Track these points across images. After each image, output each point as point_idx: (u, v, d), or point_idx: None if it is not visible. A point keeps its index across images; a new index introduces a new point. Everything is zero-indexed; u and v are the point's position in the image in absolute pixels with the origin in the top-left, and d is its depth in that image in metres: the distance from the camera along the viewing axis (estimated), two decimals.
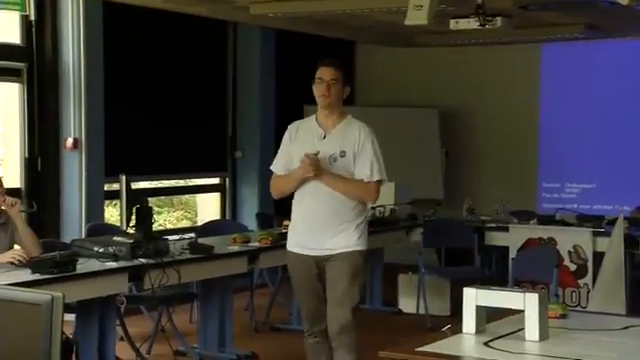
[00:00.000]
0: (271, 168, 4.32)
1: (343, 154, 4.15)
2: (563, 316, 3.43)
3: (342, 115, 4.26)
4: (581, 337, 3.14)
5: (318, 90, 4.20)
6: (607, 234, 6.29)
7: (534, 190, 9.17)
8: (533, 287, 6.07)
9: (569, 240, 6.63)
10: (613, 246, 6.08)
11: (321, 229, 4.13)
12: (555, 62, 9.12)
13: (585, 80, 8.97)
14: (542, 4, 6.37)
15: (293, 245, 4.26)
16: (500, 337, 3.07)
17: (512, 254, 6.57)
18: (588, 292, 6.46)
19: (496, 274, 7.36)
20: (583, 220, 6.92)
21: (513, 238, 6.86)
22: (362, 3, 6.43)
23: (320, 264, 4.17)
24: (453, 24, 5.78)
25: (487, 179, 9.44)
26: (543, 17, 7.25)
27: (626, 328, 3.27)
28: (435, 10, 5.33)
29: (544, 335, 3.04)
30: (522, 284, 5.95)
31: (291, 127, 4.33)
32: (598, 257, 6.34)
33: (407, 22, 5.42)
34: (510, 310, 3.20)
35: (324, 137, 4.19)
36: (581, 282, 6.57)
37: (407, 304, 7.03)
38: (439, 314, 6.62)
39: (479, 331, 3.12)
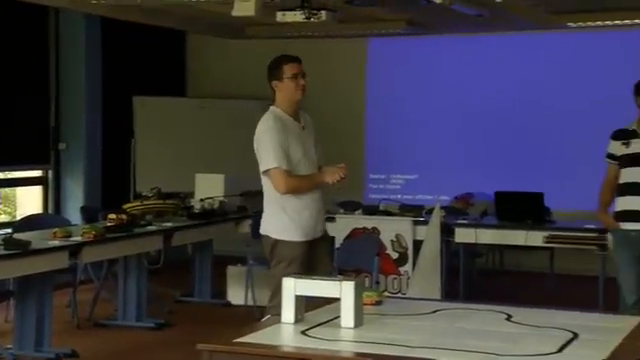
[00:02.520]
0: (277, 165, 4.27)
1: (317, 141, 4.49)
2: (379, 303, 3.54)
3: None
4: (394, 322, 3.26)
5: (298, 85, 4.36)
6: (426, 223, 6.56)
7: (361, 181, 9.43)
8: (357, 275, 6.25)
9: (391, 229, 6.86)
10: (430, 234, 6.35)
11: (321, 214, 4.47)
12: (380, 56, 9.40)
13: (408, 74, 9.31)
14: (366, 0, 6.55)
15: (302, 234, 4.35)
16: (317, 325, 3.13)
17: (338, 244, 6.73)
18: (408, 279, 6.72)
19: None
20: (405, 210, 7.17)
21: (339, 228, 7.01)
22: None
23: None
24: (280, 16, 5.83)
25: None
26: (367, 12, 7.46)
27: (435, 312, 3.43)
28: (262, 2, 5.36)
29: (359, 322, 3.12)
30: (346, 273, 6.10)
31: (273, 122, 4.32)
32: (418, 245, 6.61)
33: (234, 13, 5.42)
34: (331, 299, 3.27)
35: (303, 128, 4.42)
36: (402, 269, 6.82)
37: (236, 296, 7.04)
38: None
39: (297, 320, 3.16)
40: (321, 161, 4.47)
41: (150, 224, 6.13)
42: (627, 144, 5.02)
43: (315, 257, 4.42)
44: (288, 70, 4.35)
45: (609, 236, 5.53)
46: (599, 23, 7.65)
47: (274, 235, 4.36)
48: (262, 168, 4.31)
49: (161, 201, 6.42)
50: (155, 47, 9.33)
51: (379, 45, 9.32)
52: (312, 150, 4.41)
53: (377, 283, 5.36)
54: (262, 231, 4.47)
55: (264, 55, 9.63)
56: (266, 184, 4.36)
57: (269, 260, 4.47)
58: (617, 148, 5.07)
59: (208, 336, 3.02)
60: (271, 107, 4.43)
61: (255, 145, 4.35)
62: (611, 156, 5.12)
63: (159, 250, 6.18)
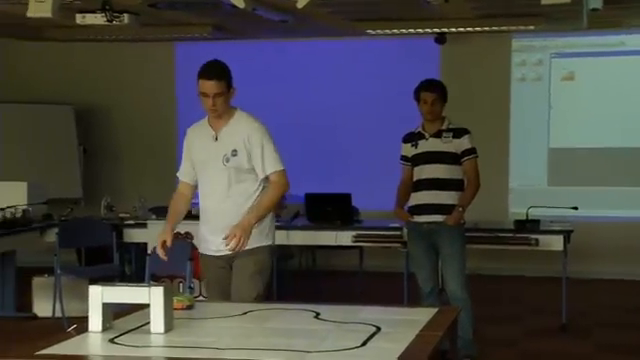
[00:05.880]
0: (177, 174, 4.36)
1: (235, 153, 4.12)
2: (190, 307, 3.54)
3: (230, 113, 4.19)
4: (204, 325, 3.28)
5: (205, 104, 4.10)
6: None
7: (171, 186, 9.33)
8: (171, 281, 6.20)
9: None
10: None
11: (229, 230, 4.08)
12: (189, 60, 9.30)
13: None
14: (170, 3, 6.49)
15: (202, 247, 4.27)
16: (126, 332, 3.09)
17: (150, 250, 6.63)
18: None
19: (136, 271, 7.38)
20: None
21: (151, 234, 6.91)
22: None
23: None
24: (80, 19, 5.68)
25: (126, 176, 9.42)
26: (173, 16, 7.41)
27: (246, 313, 3.48)
28: (60, 3, 5.19)
29: (169, 326, 3.11)
30: (161, 279, 6.04)
31: (188, 131, 4.31)
32: None
33: (30, 14, 5.20)
34: (141, 305, 3.23)
35: (216, 139, 4.16)
36: None
37: (43, 308, 6.77)
38: (79, 315, 6.44)
39: (106, 328, 3.11)
40: (260, 172, 4.13)
41: None
42: (415, 145, 5.36)
43: (235, 278, 4.17)
44: (199, 86, 4.09)
45: (404, 230, 5.86)
46: (395, 31, 8.07)
47: None
48: None
49: None
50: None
51: (187, 49, 9.28)
52: (220, 160, 4.11)
53: (190, 288, 5.34)
54: None
55: (65, 58, 9.53)
56: None
57: None
58: (408, 150, 5.42)
59: (11, 351, 2.90)
60: None
61: None
62: (404, 158, 5.46)
63: None
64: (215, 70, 4.10)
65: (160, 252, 4.09)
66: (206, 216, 4.21)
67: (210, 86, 4.05)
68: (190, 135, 4.28)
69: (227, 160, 4.12)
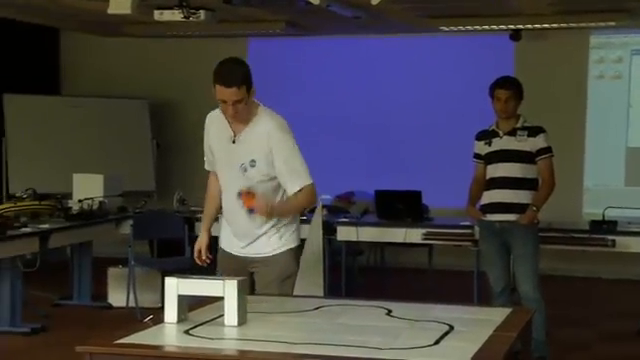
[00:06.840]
0: (206, 167, 4.05)
1: (253, 164, 3.74)
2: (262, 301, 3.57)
3: (252, 113, 3.76)
4: (277, 319, 3.29)
5: (224, 112, 3.72)
6: (309, 222, 6.62)
7: None
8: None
9: None
10: (313, 233, 6.41)
11: (251, 237, 3.90)
12: (261, 56, 9.41)
13: (288, 74, 9.38)
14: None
15: (221, 240, 4.05)
16: (201, 324, 3.13)
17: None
18: None
19: (206, 263, 7.47)
20: None
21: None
22: None
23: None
24: (157, 15, 5.78)
25: (198, 170, 9.47)
26: (247, 12, 7.48)
27: (318, 308, 3.48)
28: (139, 0, 5.29)
29: (242, 320, 3.14)
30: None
31: (208, 118, 3.88)
32: (302, 244, 6.64)
33: (110, 11, 5.33)
34: (214, 298, 3.27)
35: (233, 141, 3.78)
36: None
37: (117, 298, 6.92)
38: (151, 306, 6.58)
39: (181, 320, 3.15)
40: (288, 188, 3.80)
41: (25, 226, 5.95)
42: (489, 143, 5.30)
43: (258, 288, 3.91)
44: (215, 90, 3.67)
45: (476, 228, 5.79)
46: (469, 27, 7.97)
47: None
48: None
49: (36, 202, 6.25)
50: (27, 44, 9.05)
51: (259, 45, 9.34)
52: (237, 169, 3.76)
53: None
54: None
55: (141, 54, 9.70)
56: None
57: None
58: (481, 148, 5.36)
59: (88, 339, 2.97)
60: None
61: None
62: (477, 156, 5.41)
63: (35, 253, 6.01)
64: (234, 76, 3.63)
65: (198, 260, 4.06)
66: (226, 216, 3.96)
67: (229, 94, 3.62)
68: (208, 123, 3.90)
69: (245, 170, 3.76)
